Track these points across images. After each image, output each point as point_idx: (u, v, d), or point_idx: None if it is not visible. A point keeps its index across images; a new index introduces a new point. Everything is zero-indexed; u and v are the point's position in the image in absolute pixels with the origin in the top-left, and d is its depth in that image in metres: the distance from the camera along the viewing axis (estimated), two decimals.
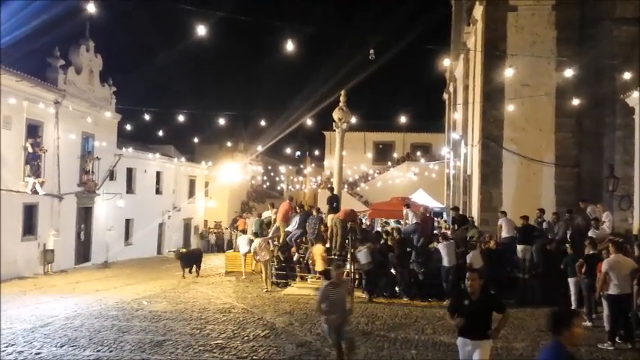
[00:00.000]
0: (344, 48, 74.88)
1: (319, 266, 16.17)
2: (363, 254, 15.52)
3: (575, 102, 18.92)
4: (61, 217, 23.55)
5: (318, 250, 16.43)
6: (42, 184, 21.55)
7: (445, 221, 26.26)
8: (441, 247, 15.28)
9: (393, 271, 16.10)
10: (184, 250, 23.22)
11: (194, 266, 21.24)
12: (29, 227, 21.80)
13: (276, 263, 18.24)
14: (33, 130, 21.90)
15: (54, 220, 23.08)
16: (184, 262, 20.94)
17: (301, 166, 54.82)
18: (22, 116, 20.94)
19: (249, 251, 19.23)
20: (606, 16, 19.81)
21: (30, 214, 21.82)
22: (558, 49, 20.13)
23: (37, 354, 9.43)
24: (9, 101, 19.62)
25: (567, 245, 14.11)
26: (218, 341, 10.41)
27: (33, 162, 21.43)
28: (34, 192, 21.19)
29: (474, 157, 23.03)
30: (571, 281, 13.20)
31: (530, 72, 20.11)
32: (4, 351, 9.61)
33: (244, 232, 21.90)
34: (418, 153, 43.18)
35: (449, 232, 18.35)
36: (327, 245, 17.30)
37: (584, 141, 20.16)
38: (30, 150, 21.25)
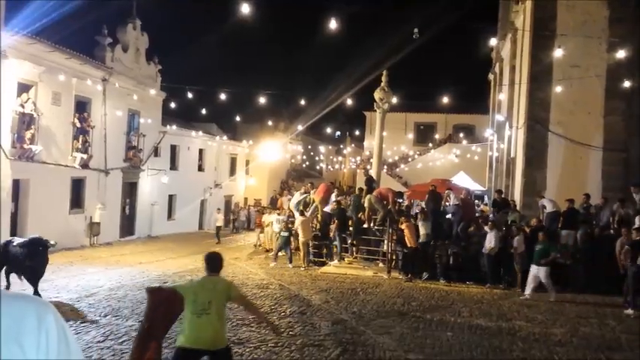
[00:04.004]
0: (387, 27, 73.79)
1: (412, 242, 15.56)
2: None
3: (627, 84, 18.21)
4: (107, 191, 24.20)
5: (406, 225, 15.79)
6: (89, 159, 22.14)
7: (486, 204, 25.85)
8: (491, 235, 14.86)
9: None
10: None
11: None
12: (77, 201, 22.52)
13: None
14: (81, 107, 22.49)
15: (100, 194, 23.75)
16: None
17: (341, 146, 54.77)
18: (71, 93, 21.49)
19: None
20: None
21: (78, 187, 22.52)
22: (611, 29, 19.34)
23: (81, 323, 9.78)
24: (59, 78, 20.19)
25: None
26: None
27: (81, 137, 22.04)
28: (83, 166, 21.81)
29: (518, 140, 22.52)
30: None
31: (580, 53, 19.37)
32: None
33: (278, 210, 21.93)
34: (461, 134, 42.52)
35: (490, 216, 18.05)
36: (365, 225, 17.33)
37: (634, 125, 19.42)
38: (78, 125, 21.86)
